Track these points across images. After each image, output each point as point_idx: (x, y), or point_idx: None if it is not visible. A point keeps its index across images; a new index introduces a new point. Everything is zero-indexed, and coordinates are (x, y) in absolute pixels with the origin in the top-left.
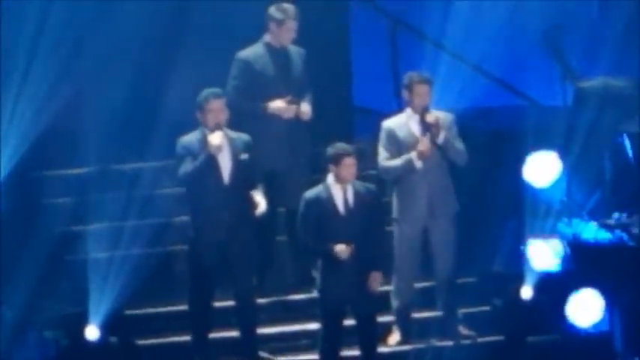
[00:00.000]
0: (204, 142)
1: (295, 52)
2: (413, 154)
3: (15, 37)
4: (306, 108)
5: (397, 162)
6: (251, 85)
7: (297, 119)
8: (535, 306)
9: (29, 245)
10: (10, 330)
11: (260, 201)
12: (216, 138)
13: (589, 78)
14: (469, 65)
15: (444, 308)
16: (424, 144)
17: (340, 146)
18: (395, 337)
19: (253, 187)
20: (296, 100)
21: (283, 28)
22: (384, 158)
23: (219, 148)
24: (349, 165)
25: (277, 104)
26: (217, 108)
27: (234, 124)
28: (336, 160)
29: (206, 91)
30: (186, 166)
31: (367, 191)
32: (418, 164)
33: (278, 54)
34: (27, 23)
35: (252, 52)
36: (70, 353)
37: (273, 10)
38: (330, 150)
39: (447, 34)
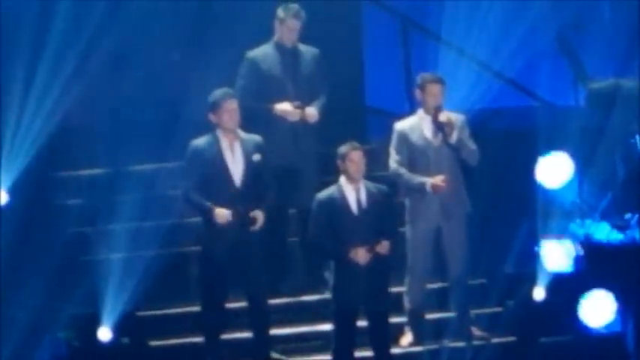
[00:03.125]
0: (216, 147)
1: (307, 52)
2: (428, 183)
3: (27, 35)
4: (311, 111)
5: (411, 179)
6: (258, 85)
7: (305, 120)
8: (547, 307)
9: (42, 246)
10: (22, 331)
11: (258, 216)
12: (222, 216)
13: (601, 79)
14: (481, 66)
15: (456, 309)
16: (443, 180)
17: (347, 143)
18: (407, 338)
19: (265, 188)
20: (302, 105)
21: (284, 27)
22: (396, 161)
23: (222, 224)
24: (356, 160)
25: (283, 107)
26: (233, 108)
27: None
28: (344, 156)
29: (221, 91)
30: (190, 194)
31: (379, 192)
32: (429, 190)
33: (286, 53)
34: (40, 21)
35: (261, 51)
36: (82, 354)
37: (278, 9)
38: (339, 149)
39: (458, 35)
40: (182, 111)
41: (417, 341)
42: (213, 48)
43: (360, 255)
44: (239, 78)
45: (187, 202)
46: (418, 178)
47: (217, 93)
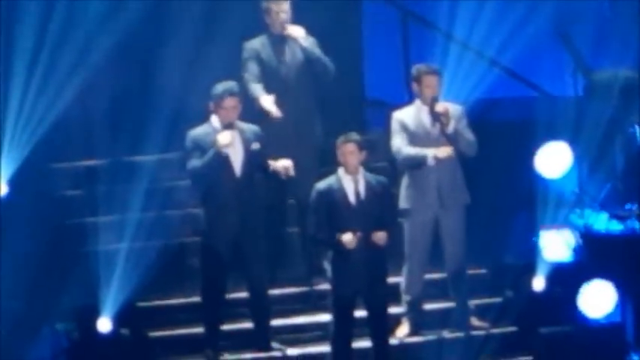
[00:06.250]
0: (213, 136)
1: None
2: (429, 153)
3: (28, 27)
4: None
5: (411, 151)
6: (257, 72)
7: (305, 111)
8: (547, 297)
9: (41, 237)
10: (22, 323)
11: (285, 165)
12: (225, 137)
13: (600, 69)
14: (480, 56)
15: (455, 299)
16: (447, 151)
17: (343, 135)
18: (404, 329)
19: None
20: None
21: (270, 15)
22: (401, 141)
23: (227, 146)
24: (347, 152)
25: (266, 104)
26: (231, 106)
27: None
28: (338, 147)
29: (222, 87)
30: (195, 162)
31: (378, 183)
32: (431, 162)
33: (279, 42)
34: (37, 14)
35: (256, 41)
36: (82, 345)
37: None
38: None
39: (458, 26)
40: (182, 101)
41: (413, 332)
42: (216, 39)
43: (346, 239)
44: (241, 67)
45: (193, 175)
46: (419, 152)
47: (219, 87)
